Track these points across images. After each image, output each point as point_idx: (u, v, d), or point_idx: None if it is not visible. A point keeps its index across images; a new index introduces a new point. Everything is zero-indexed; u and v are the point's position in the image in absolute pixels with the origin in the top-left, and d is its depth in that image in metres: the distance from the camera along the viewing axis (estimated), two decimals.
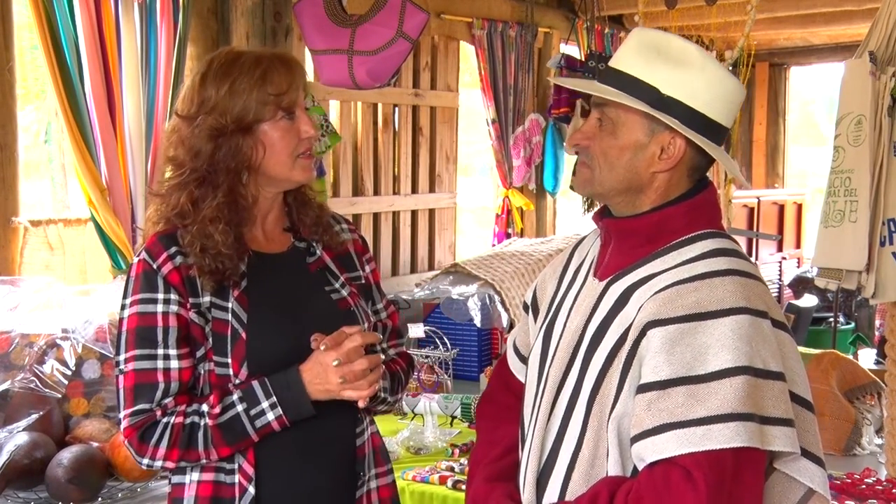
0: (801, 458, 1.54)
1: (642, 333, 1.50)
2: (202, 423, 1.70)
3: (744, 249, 5.92)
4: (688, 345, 1.45)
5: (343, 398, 1.74)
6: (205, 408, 1.70)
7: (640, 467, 1.48)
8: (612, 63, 1.62)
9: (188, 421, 1.70)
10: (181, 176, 1.77)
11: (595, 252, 1.71)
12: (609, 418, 1.52)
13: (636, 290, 1.55)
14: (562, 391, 1.61)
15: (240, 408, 1.70)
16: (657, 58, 1.56)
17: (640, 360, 1.50)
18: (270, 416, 1.71)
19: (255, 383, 1.71)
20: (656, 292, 1.51)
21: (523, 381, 1.80)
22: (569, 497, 1.56)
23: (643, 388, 1.47)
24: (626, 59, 1.60)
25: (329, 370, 1.72)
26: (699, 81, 1.55)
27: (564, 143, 5.41)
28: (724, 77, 1.58)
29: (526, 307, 1.87)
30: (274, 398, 1.70)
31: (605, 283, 1.62)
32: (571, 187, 1.78)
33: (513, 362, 1.88)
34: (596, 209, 1.73)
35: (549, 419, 1.62)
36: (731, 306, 1.47)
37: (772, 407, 1.46)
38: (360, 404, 1.76)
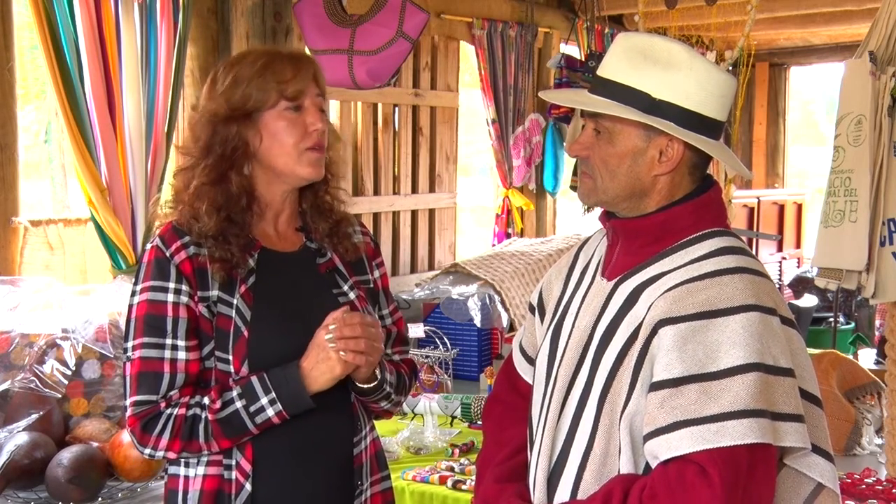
0: (811, 454, 1.55)
1: (653, 332, 1.50)
2: (203, 416, 1.70)
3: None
4: (699, 342, 1.46)
5: (347, 370, 1.75)
6: (206, 401, 1.71)
7: (654, 465, 1.48)
8: (601, 72, 1.62)
9: (190, 413, 1.70)
10: (187, 162, 1.80)
11: (602, 252, 1.72)
12: (621, 416, 1.52)
13: (645, 289, 1.56)
14: (572, 390, 1.61)
15: (239, 404, 1.70)
16: (645, 62, 1.57)
17: (652, 359, 1.50)
18: (270, 411, 1.71)
19: (255, 379, 1.72)
20: (666, 290, 1.52)
21: (530, 381, 1.80)
22: (581, 496, 1.56)
23: (656, 386, 1.48)
24: (613, 66, 1.60)
25: (326, 346, 1.72)
26: (690, 81, 1.56)
27: (565, 147, 5.41)
28: (714, 72, 1.58)
29: (532, 308, 1.88)
30: (273, 394, 1.71)
31: (613, 282, 1.63)
32: (572, 187, 1.78)
33: (519, 363, 1.88)
34: (601, 210, 1.73)
35: (559, 418, 1.62)
36: (741, 304, 1.48)
37: (783, 403, 1.47)
38: (363, 370, 1.77)
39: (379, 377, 1.84)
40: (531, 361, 1.82)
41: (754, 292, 1.50)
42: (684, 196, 1.61)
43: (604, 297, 1.63)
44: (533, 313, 1.87)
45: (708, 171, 1.67)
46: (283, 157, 1.78)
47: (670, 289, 1.52)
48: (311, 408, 1.74)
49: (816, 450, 1.55)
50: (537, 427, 1.68)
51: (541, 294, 1.86)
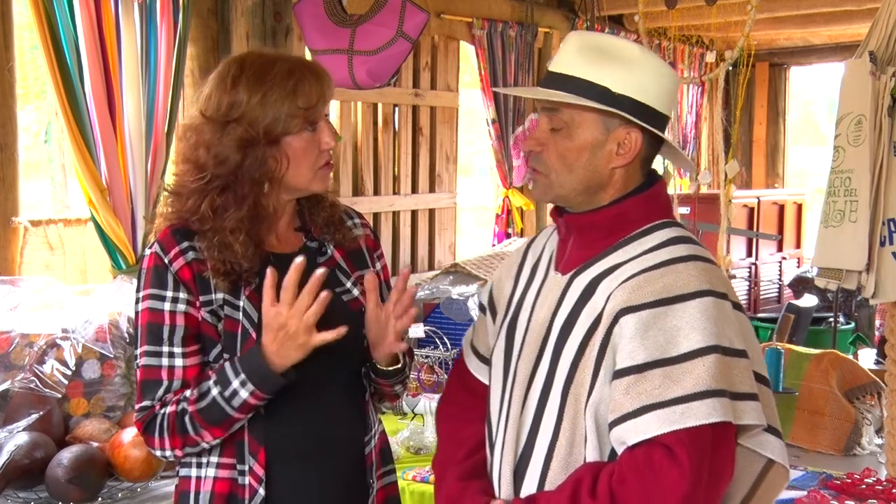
0: (763, 432, 1.60)
1: (615, 320, 1.54)
2: (188, 408, 1.70)
3: (743, 249, 5.87)
4: (660, 328, 1.51)
5: (319, 342, 1.66)
6: (187, 394, 1.71)
7: (620, 451, 1.52)
8: (555, 68, 1.65)
9: (179, 409, 1.71)
10: (202, 180, 1.73)
11: (552, 248, 1.75)
12: (586, 406, 1.56)
13: (602, 281, 1.60)
14: (532, 384, 1.64)
15: (215, 391, 1.69)
16: (601, 58, 1.60)
17: (614, 347, 1.54)
18: (244, 393, 1.68)
19: (227, 364, 1.71)
20: (624, 281, 1.57)
21: (483, 380, 1.83)
22: (548, 486, 1.59)
23: (620, 374, 1.52)
24: (570, 62, 1.63)
25: (288, 327, 1.65)
26: (646, 77, 1.61)
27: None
28: (665, 69, 1.64)
29: (483, 308, 1.90)
30: (243, 375, 1.68)
31: (568, 276, 1.66)
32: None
33: (472, 363, 1.88)
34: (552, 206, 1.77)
35: (521, 412, 1.65)
36: (696, 289, 1.53)
37: (740, 383, 1.53)
38: (332, 336, 1.66)
39: (402, 361, 1.85)
40: (484, 360, 1.84)
41: (707, 278, 1.55)
42: (635, 189, 1.66)
43: (559, 290, 1.66)
44: (484, 313, 1.89)
45: (669, 168, 1.71)
46: (299, 177, 1.77)
47: (628, 279, 1.56)
48: (286, 384, 1.68)
49: (767, 428, 1.60)
50: (498, 423, 1.71)
51: (491, 293, 1.88)
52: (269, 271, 1.66)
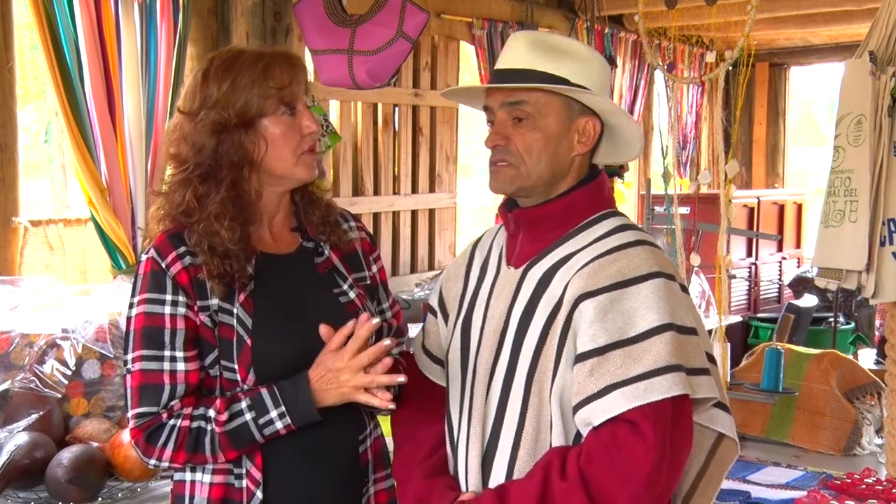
0: (713, 408, 1.66)
1: (574, 306, 1.60)
2: (209, 428, 1.69)
3: (743, 248, 5.85)
4: (618, 311, 1.57)
5: (357, 399, 1.71)
6: (211, 413, 1.69)
7: (585, 432, 1.56)
8: (509, 65, 1.68)
9: (194, 425, 1.69)
10: (184, 172, 1.75)
11: (500, 244, 1.80)
12: (551, 392, 1.60)
13: (558, 270, 1.65)
14: (494, 376, 1.68)
15: (248, 416, 1.69)
16: (555, 53, 1.67)
17: (575, 333, 1.59)
18: (279, 424, 1.70)
19: (265, 392, 1.70)
20: (580, 268, 1.62)
21: (437, 381, 1.85)
22: (517, 474, 1.62)
23: (582, 357, 1.56)
24: (524, 59, 1.67)
25: (336, 372, 1.69)
26: (595, 71, 1.69)
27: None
28: (606, 64, 1.74)
29: (432, 310, 1.92)
30: (283, 408, 1.69)
31: (521, 269, 1.71)
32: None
33: (425, 365, 1.90)
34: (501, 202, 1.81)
35: (484, 405, 1.68)
36: (647, 272, 1.61)
37: (693, 359, 1.60)
38: (376, 402, 1.70)
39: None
40: (437, 361, 1.87)
41: (657, 261, 1.63)
42: (582, 180, 1.72)
43: (514, 283, 1.70)
44: (434, 315, 1.91)
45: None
46: (281, 161, 1.77)
47: (583, 266, 1.62)
48: (317, 421, 1.72)
49: (716, 404, 1.67)
50: (460, 420, 1.73)
51: (441, 295, 1.90)
52: (351, 324, 1.68)
